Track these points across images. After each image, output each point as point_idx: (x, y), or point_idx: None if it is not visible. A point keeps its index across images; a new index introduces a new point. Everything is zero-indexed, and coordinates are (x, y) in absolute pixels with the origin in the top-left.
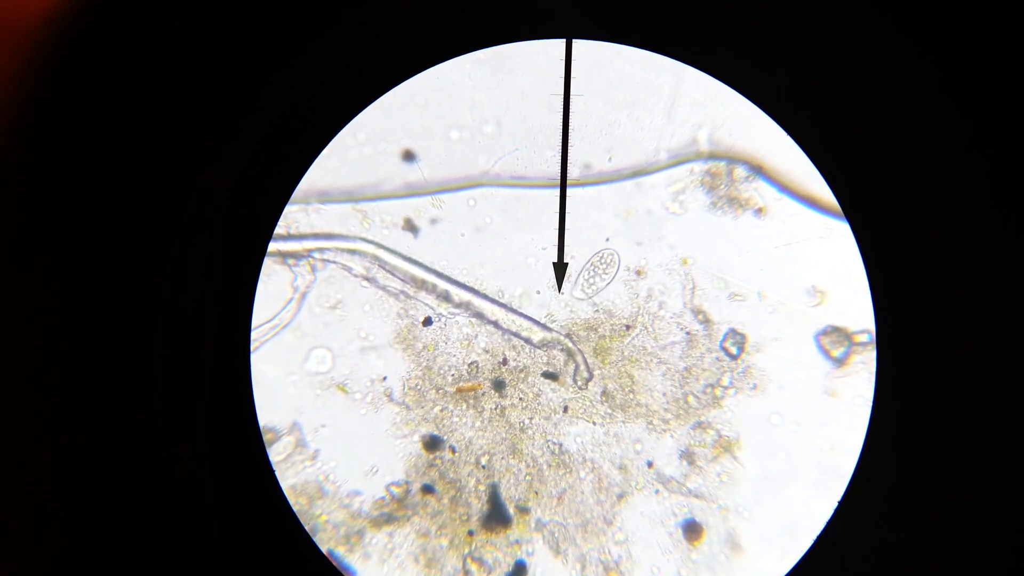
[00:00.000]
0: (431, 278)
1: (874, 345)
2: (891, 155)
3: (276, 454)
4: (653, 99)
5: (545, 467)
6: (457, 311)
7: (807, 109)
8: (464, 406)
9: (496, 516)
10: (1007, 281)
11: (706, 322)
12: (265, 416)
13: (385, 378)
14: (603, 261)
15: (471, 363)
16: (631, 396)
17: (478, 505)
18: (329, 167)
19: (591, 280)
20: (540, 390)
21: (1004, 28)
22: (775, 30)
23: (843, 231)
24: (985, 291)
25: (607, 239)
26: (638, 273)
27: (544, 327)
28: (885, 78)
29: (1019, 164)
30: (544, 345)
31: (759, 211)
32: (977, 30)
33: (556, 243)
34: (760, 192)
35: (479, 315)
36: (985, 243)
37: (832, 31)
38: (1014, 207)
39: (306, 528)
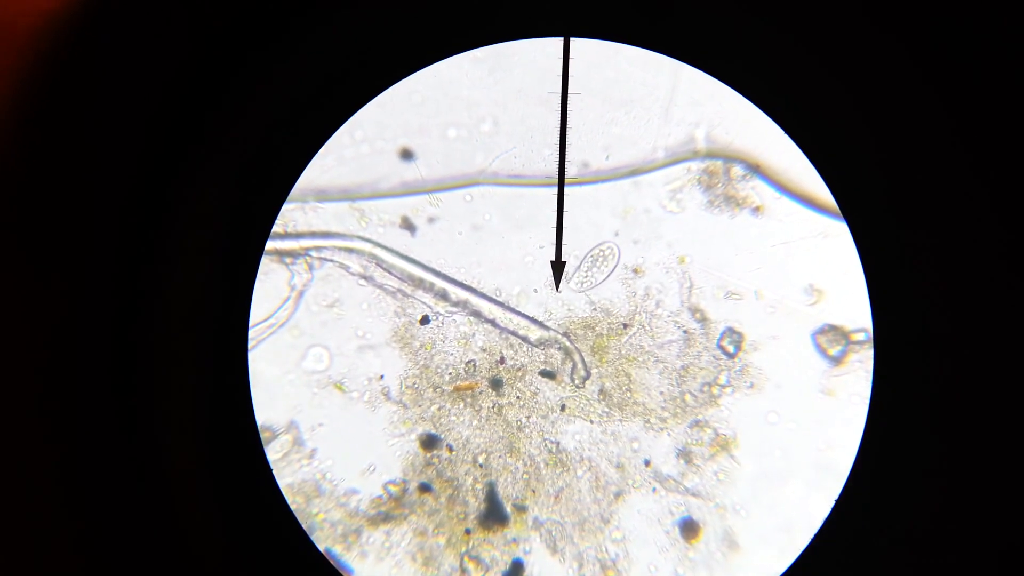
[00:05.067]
0: (428, 276)
1: (871, 344)
2: (889, 154)
3: (273, 452)
4: (651, 98)
5: (542, 465)
6: (454, 310)
7: (805, 108)
8: (461, 405)
9: (493, 514)
10: (1004, 280)
11: (703, 321)
12: (262, 414)
13: (382, 377)
14: (602, 255)
15: (468, 362)
16: (628, 395)
17: (475, 504)
18: (326, 166)
19: (589, 273)
20: (537, 389)
21: (1005, 29)
22: (773, 29)
23: (840, 230)
24: (983, 290)
25: (616, 233)
26: (635, 271)
27: (541, 325)
28: (883, 77)
29: (1018, 165)
30: (541, 344)
31: (756, 210)
32: (979, 30)
33: (554, 241)
34: (757, 191)
35: (476, 314)
36: (983, 242)
37: (831, 30)
38: (1012, 207)
39: (303, 526)
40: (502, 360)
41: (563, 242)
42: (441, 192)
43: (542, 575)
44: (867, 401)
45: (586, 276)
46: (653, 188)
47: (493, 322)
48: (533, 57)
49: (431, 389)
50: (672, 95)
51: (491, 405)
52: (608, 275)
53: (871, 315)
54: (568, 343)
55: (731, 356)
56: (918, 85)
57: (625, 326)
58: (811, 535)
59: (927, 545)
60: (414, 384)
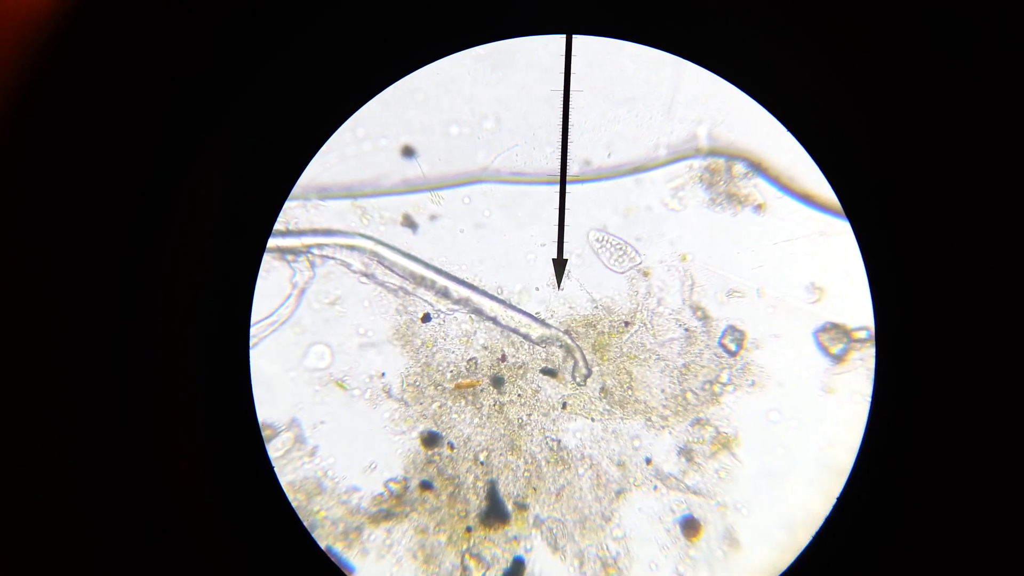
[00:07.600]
0: (430, 274)
1: (872, 342)
2: (891, 153)
3: (275, 450)
4: (653, 95)
5: (543, 463)
6: (456, 307)
7: (807, 106)
8: (463, 402)
9: (494, 512)
10: (1006, 278)
11: (705, 319)
12: (264, 412)
13: (384, 374)
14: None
15: (470, 359)
16: (629, 393)
17: (476, 501)
18: (328, 163)
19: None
20: (539, 386)
21: (1006, 29)
22: (776, 26)
23: (842, 228)
24: (985, 287)
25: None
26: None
27: (543, 323)
28: (886, 76)
29: (1019, 164)
30: (543, 341)
31: (758, 207)
32: (980, 31)
33: (555, 239)
34: (759, 189)
35: (478, 311)
36: (985, 239)
37: (834, 28)
38: (1012, 206)
39: (305, 524)
40: (503, 358)
41: (564, 240)
42: (443, 190)
43: (543, 573)
44: (868, 399)
45: (595, 265)
46: (655, 186)
47: (494, 320)
48: (535, 54)
49: (432, 387)
50: (674, 92)
51: (492, 403)
52: (623, 271)
53: (872, 313)
54: (569, 341)
55: (732, 354)
56: (920, 84)
57: (626, 324)
58: (812, 533)
59: (927, 544)
60: (415, 382)
